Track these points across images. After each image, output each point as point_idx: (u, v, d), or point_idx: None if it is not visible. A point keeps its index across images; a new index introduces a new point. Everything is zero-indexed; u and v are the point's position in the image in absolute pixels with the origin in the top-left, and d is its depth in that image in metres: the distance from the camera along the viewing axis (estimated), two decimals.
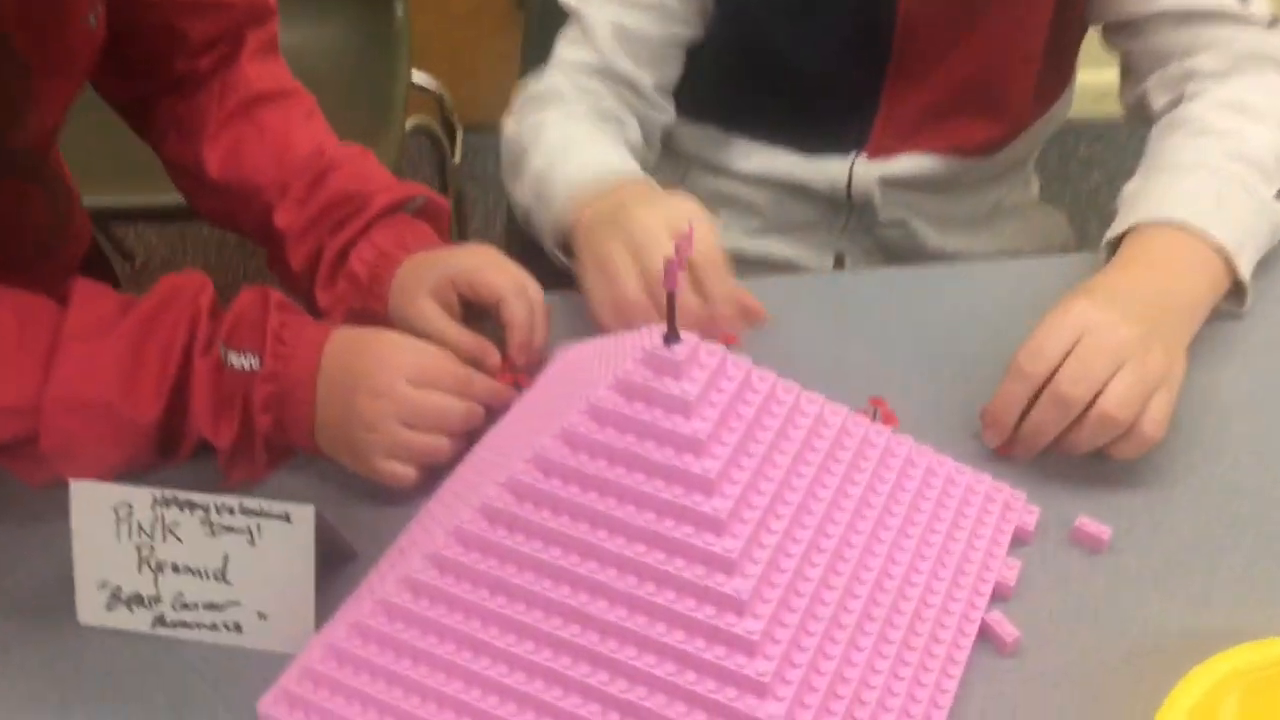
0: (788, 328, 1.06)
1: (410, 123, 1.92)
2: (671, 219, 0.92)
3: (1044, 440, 0.91)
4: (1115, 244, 1.01)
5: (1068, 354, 0.88)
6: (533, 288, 0.97)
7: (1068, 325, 0.89)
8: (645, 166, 1.08)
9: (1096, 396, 0.87)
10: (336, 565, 0.87)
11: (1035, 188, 1.38)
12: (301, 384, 0.90)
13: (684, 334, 0.72)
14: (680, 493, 0.70)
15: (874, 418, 0.87)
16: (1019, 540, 0.88)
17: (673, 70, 1.19)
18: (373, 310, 0.99)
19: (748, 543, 0.70)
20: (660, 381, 0.71)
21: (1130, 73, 1.16)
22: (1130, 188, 1.04)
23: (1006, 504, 0.88)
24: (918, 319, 1.07)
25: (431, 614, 0.74)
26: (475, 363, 0.95)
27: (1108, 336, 0.88)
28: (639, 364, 0.72)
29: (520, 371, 0.97)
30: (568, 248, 1.03)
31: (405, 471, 0.89)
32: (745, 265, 1.27)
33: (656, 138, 1.23)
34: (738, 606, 0.68)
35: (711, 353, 0.73)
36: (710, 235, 0.92)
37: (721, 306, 0.91)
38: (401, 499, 0.91)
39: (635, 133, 1.16)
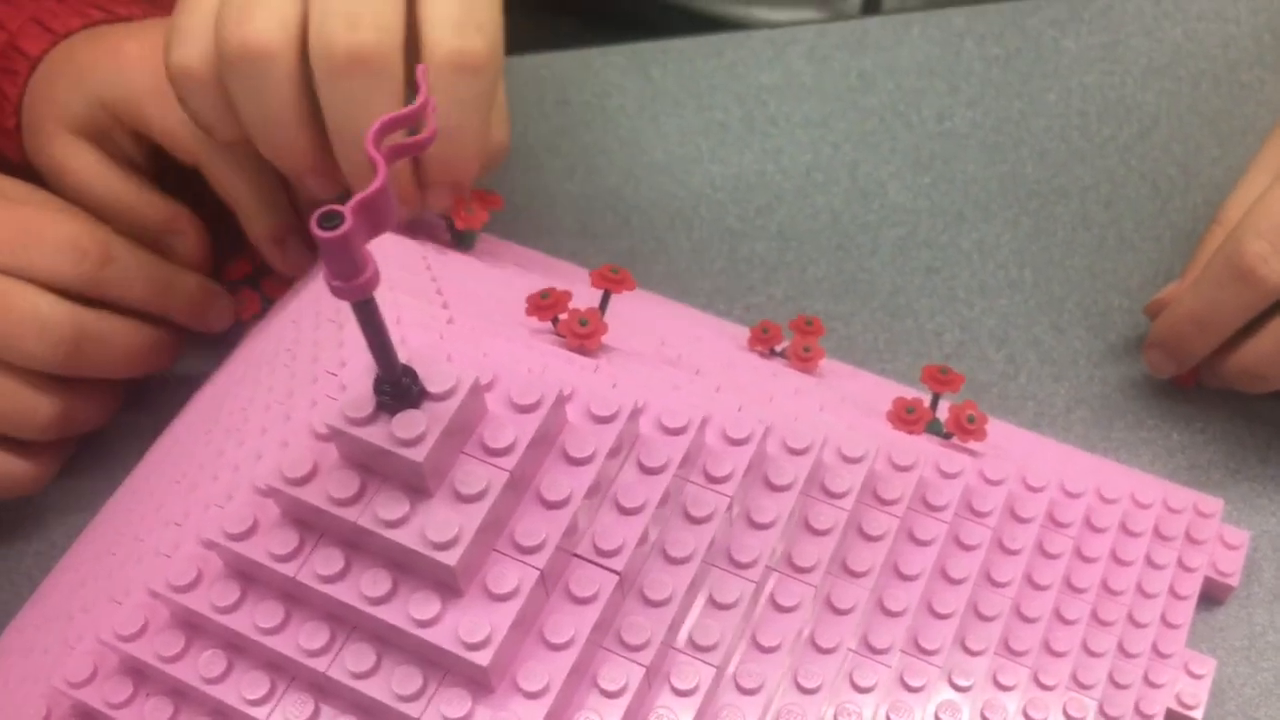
0: (773, 132, 0.60)
1: None
2: None
3: (1267, 388, 0.47)
4: None
5: None
6: None
7: None
8: None
9: None
10: None
11: None
12: None
13: (438, 370, 0.26)
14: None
15: (934, 414, 0.41)
16: (1210, 598, 0.46)
17: None
18: (2, 151, 0.53)
19: None
20: (371, 508, 0.27)
21: None
22: None
23: (1189, 534, 0.45)
24: (1016, 105, 0.60)
25: None
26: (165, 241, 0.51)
27: None
28: (320, 448, 0.27)
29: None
30: None
31: None
32: None
33: None
34: None
35: (521, 404, 0.28)
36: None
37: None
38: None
39: None
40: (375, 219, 0.23)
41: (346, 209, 0.22)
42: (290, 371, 0.35)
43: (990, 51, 0.62)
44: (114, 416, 0.52)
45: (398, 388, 0.26)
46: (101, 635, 0.30)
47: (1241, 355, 0.46)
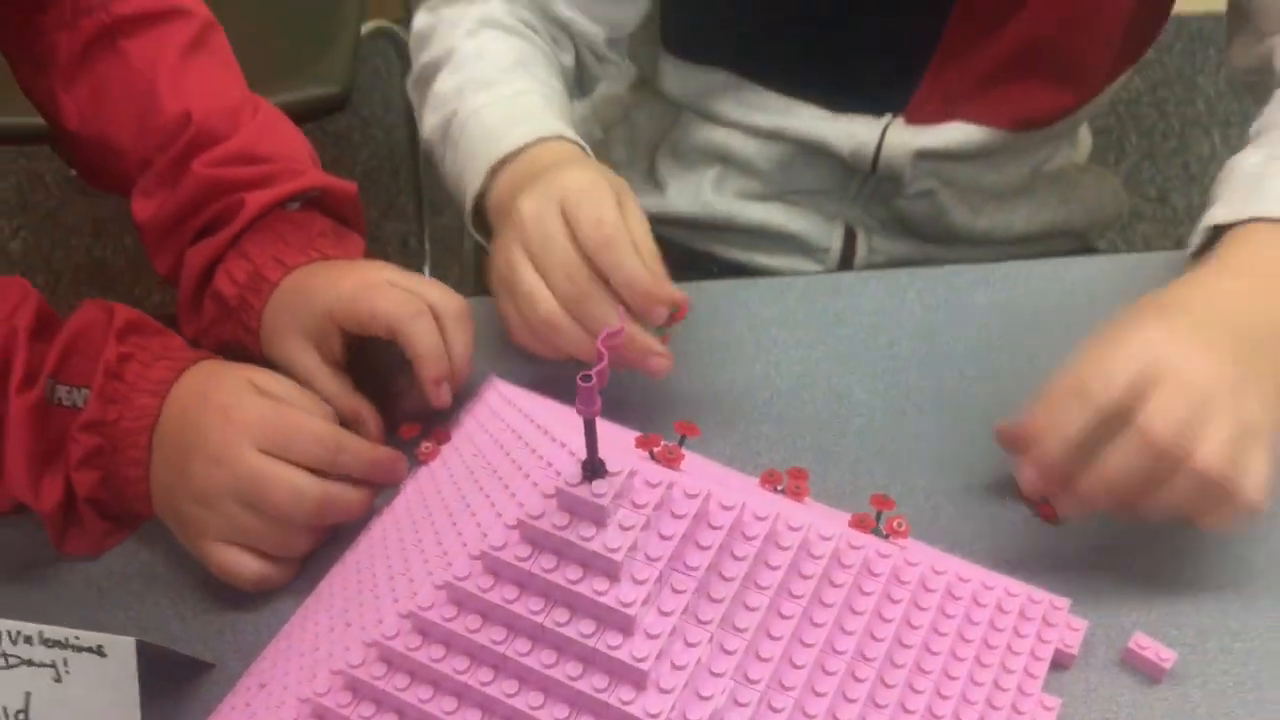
0: (774, 350, 0.86)
1: (368, 26, 1.67)
2: (602, 229, 0.71)
3: (1116, 497, 0.68)
4: (1206, 240, 0.79)
5: (1145, 388, 0.65)
6: (442, 299, 0.75)
7: (1135, 351, 0.66)
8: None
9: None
10: (182, 681, 0.68)
11: (1086, 146, 1.15)
12: (133, 438, 0.70)
13: (613, 462, 0.51)
14: (605, 684, 0.51)
15: (877, 523, 0.66)
16: (1058, 664, 0.69)
17: (631, 11, 0.97)
18: (243, 343, 0.78)
19: None
20: (576, 530, 0.51)
21: (1246, 23, 0.92)
22: (1243, 164, 0.81)
23: (1045, 618, 0.68)
24: (942, 338, 0.86)
25: None
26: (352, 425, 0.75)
27: (1188, 374, 0.65)
28: (548, 501, 0.52)
29: (435, 426, 0.76)
30: (484, 222, 0.83)
31: (246, 564, 0.69)
32: (737, 235, 1.06)
33: (591, 88, 1.03)
34: None
35: (651, 483, 0.53)
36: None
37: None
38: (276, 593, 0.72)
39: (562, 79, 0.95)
40: (602, 380, 0.48)
41: (594, 374, 0.47)
42: (498, 475, 0.60)
43: (926, 301, 0.89)
44: None
45: (594, 468, 0.50)
46: (440, 580, 0.53)
47: (1093, 473, 0.66)
